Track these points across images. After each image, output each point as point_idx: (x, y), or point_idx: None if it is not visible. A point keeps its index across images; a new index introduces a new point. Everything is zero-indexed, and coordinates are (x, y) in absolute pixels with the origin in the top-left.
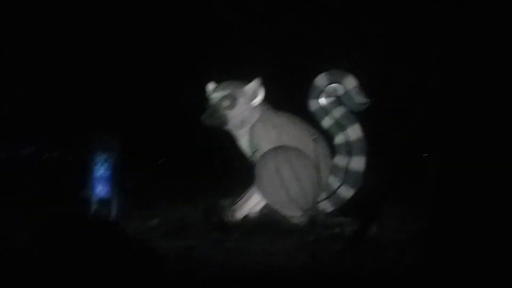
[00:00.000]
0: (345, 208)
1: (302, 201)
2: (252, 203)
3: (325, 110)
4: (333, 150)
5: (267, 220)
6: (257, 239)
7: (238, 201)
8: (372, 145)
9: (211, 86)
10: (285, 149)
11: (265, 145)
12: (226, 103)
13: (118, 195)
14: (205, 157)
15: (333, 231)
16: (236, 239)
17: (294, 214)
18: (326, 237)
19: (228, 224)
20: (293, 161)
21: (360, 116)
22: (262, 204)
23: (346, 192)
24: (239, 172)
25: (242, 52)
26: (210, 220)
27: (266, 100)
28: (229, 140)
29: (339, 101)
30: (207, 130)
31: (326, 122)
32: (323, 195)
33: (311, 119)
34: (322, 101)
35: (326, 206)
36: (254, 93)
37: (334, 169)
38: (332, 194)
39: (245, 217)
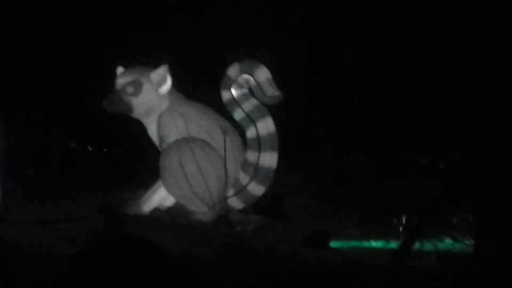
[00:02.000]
0: (257, 206)
1: (206, 196)
2: (159, 197)
3: (236, 102)
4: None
5: (172, 215)
6: (151, 234)
7: (144, 194)
8: (287, 141)
9: (119, 70)
10: (190, 141)
11: (172, 136)
12: (130, 89)
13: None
14: (117, 147)
15: (238, 228)
16: (126, 232)
17: (200, 209)
18: (231, 235)
19: (123, 217)
20: (198, 153)
21: (274, 110)
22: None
23: (256, 189)
24: (151, 163)
25: (155, 38)
26: (105, 213)
27: (180, 89)
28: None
29: (251, 93)
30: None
31: (237, 115)
32: (232, 191)
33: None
34: (233, 92)
35: (235, 203)
36: (161, 80)
37: (244, 165)
38: (241, 191)
39: (152, 211)
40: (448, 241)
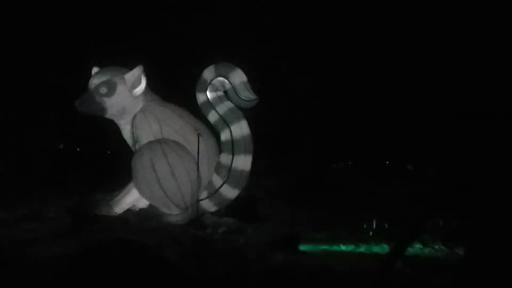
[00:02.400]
0: (230, 208)
1: (178, 198)
2: (131, 198)
3: (211, 105)
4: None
5: (143, 217)
6: (119, 235)
7: (116, 195)
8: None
9: (94, 70)
10: (163, 143)
11: (145, 137)
12: (103, 89)
13: None
14: (90, 147)
15: (209, 231)
16: (90, 233)
17: (171, 211)
18: (200, 237)
19: (91, 218)
20: (170, 156)
21: (250, 113)
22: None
23: (229, 192)
24: (124, 164)
25: (132, 39)
26: (73, 213)
27: (156, 91)
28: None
29: (226, 96)
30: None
31: (212, 117)
32: (205, 193)
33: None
34: (208, 94)
35: (208, 206)
36: (136, 81)
37: (218, 167)
38: (214, 193)
39: (124, 212)
40: (417, 246)
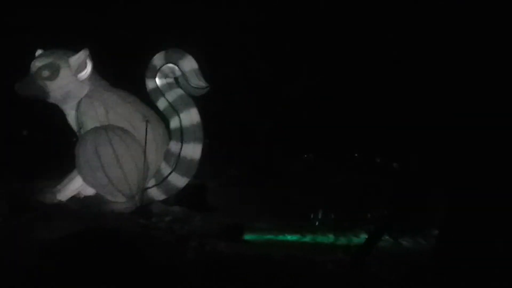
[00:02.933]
0: (180, 197)
1: (123, 186)
2: (76, 186)
3: (160, 91)
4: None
5: (87, 205)
6: (59, 223)
7: (61, 183)
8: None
9: (37, 53)
10: (108, 129)
11: (90, 123)
12: (45, 73)
13: None
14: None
15: (155, 219)
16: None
17: (117, 199)
18: (143, 226)
19: (31, 206)
20: (115, 142)
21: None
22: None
23: (178, 180)
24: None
25: (81, 22)
26: (11, 201)
27: (105, 76)
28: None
29: (177, 83)
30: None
31: (161, 104)
32: (153, 181)
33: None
34: (158, 81)
35: (156, 194)
36: (81, 65)
37: (166, 155)
38: (162, 182)
39: (70, 199)
40: (363, 236)
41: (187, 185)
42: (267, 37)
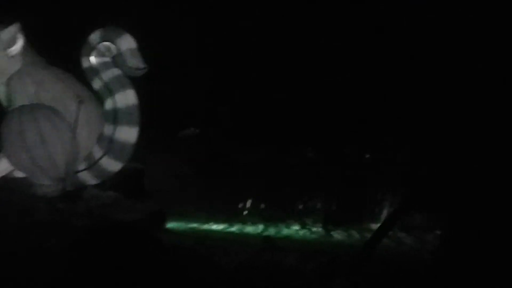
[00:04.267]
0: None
1: (50, 168)
2: (2, 167)
3: (95, 71)
4: None
5: (12, 187)
6: None
7: None
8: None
9: None
10: (35, 108)
11: (20, 101)
12: None
13: None
14: None
15: (81, 205)
16: None
17: (44, 182)
18: (63, 211)
19: None
20: (42, 122)
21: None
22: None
23: (110, 165)
24: None
25: None
26: None
27: (40, 52)
28: None
29: (114, 62)
30: None
31: (96, 84)
32: (84, 164)
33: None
34: (93, 60)
35: (87, 178)
36: (11, 40)
37: (99, 138)
38: (92, 165)
39: None
40: (295, 227)
41: (124, 170)
42: (220, 11)
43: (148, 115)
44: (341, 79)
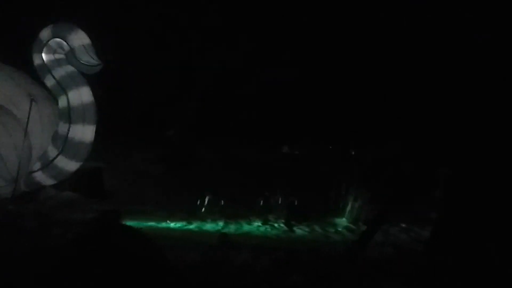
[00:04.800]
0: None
1: (1, 169)
2: None
3: (47, 68)
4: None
5: None
6: None
7: None
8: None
9: None
10: None
11: None
12: None
13: None
14: None
15: (34, 205)
16: None
17: None
18: (11, 211)
19: None
20: None
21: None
22: None
23: (66, 164)
24: None
25: None
26: None
27: None
28: None
29: (67, 59)
30: None
31: (49, 82)
32: (38, 165)
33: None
34: (44, 57)
35: (42, 178)
36: None
37: (54, 137)
38: (47, 165)
39: None
40: (256, 223)
41: (82, 169)
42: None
43: (109, 112)
44: (301, 73)
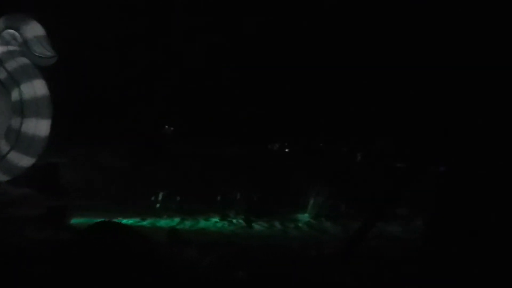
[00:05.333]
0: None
1: None
2: None
3: None
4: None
5: None
6: None
7: None
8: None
9: None
10: None
11: None
12: None
13: None
14: None
15: None
16: None
17: None
18: None
19: None
20: None
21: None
22: None
23: (19, 160)
24: None
25: None
26: None
27: None
28: None
29: (21, 51)
30: None
31: (1, 74)
32: None
33: None
34: None
35: None
36: None
37: (7, 131)
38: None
39: None
40: (214, 220)
41: (37, 165)
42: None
43: (67, 106)
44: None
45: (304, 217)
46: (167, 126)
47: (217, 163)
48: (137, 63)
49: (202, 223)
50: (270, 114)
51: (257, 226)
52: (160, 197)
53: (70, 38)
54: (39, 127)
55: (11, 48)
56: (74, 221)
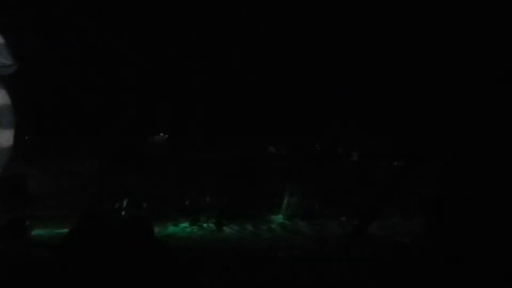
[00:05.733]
0: None
1: None
2: None
3: None
4: None
5: None
6: None
7: None
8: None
9: None
10: None
11: None
12: None
13: None
14: None
15: None
16: None
17: None
18: None
19: None
20: None
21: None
22: None
23: None
24: None
25: None
26: None
27: None
28: None
29: None
30: None
31: None
32: None
33: None
34: None
35: None
36: None
37: None
38: None
39: None
40: (183, 225)
41: (2, 176)
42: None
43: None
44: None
45: (278, 218)
46: (161, 134)
47: (187, 167)
48: (107, 67)
49: (171, 229)
50: (240, 115)
51: (228, 230)
52: (125, 203)
53: (33, 44)
54: (1, 137)
55: None
56: (36, 232)
